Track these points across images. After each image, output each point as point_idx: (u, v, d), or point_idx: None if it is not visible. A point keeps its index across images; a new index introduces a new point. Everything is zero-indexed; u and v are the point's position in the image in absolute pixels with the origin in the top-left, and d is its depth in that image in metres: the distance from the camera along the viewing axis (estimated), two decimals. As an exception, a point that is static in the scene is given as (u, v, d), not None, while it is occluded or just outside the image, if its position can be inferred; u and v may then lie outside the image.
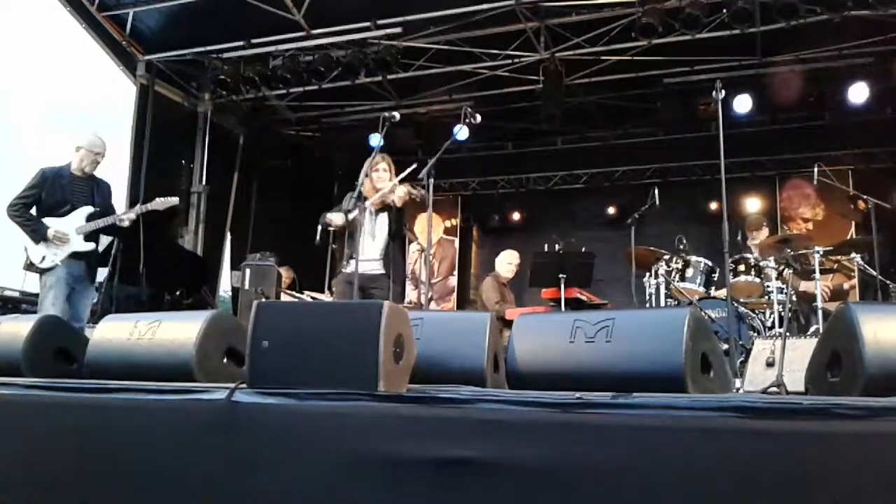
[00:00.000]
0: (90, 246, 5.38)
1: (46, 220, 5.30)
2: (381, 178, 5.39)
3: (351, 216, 5.09)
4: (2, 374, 2.98)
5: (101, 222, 5.37)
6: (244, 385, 2.38)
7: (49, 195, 5.33)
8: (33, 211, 5.33)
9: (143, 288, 6.67)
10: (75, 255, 5.31)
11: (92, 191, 5.49)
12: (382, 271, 5.32)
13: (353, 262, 5.17)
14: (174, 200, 5.65)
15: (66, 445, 2.62)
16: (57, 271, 5.24)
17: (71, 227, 5.31)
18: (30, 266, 5.36)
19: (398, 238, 5.46)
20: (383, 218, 5.42)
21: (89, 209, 5.40)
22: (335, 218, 5.37)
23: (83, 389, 2.70)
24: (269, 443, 2.32)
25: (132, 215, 5.43)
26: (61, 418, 2.67)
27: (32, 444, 2.67)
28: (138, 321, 3.03)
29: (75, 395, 2.69)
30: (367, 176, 5.33)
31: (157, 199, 5.54)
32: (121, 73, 8.92)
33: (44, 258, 5.25)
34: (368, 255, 5.26)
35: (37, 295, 6.01)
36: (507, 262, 7.71)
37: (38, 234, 5.23)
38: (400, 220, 5.44)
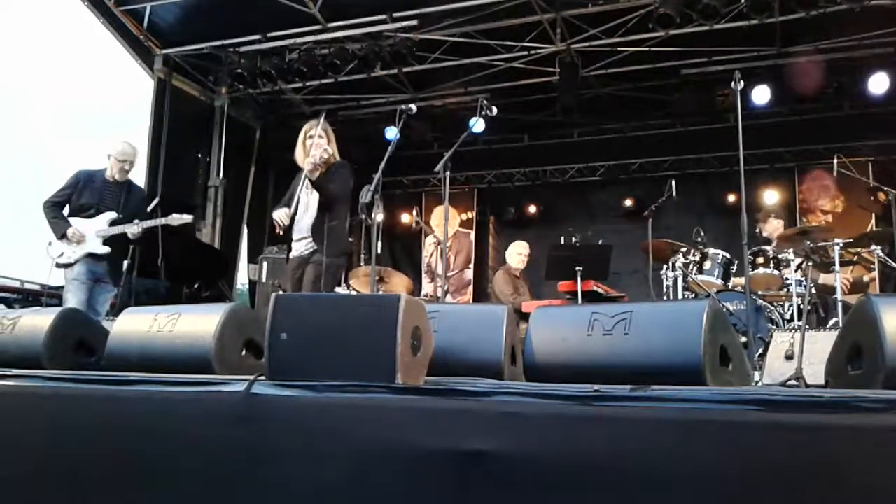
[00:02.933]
0: (105, 249, 5.53)
1: (73, 220, 5.52)
2: (314, 146, 4.97)
3: (365, 214, 4.94)
4: (23, 367, 3.00)
5: (117, 229, 5.53)
6: (263, 377, 2.39)
7: (79, 196, 5.58)
8: (65, 210, 5.58)
9: (161, 281, 6.73)
10: (93, 256, 5.50)
11: (121, 197, 5.67)
12: (314, 247, 4.93)
13: (293, 245, 5.06)
14: (187, 218, 5.73)
15: (86, 437, 2.64)
16: (77, 268, 5.46)
17: (91, 229, 5.51)
18: (55, 262, 5.55)
19: (331, 208, 4.98)
20: (314, 194, 5.02)
21: (113, 214, 5.58)
22: (280, 216, 4.96)
23: (103, 381, 2.72)
24: (288, 435, 2.33)
25: (137, 229, 5.54)
26: (81, 410, 2.70)
27: (53, 436, 2.70)
28: (158, 314, 3.05)
29: (95, 387, 2.71)
30: (303, 144, 5.05)
31: (173, 214, 5.65)
32: (138, 68, 8.99)
33: (62, 254, 5.47)
34: (302, 232, 5.03)
35: (56, 288, 6.11)
36: (517, 254, 7.72)
37: (58, 230, 5.47)
38: (325, 190, 4.93)
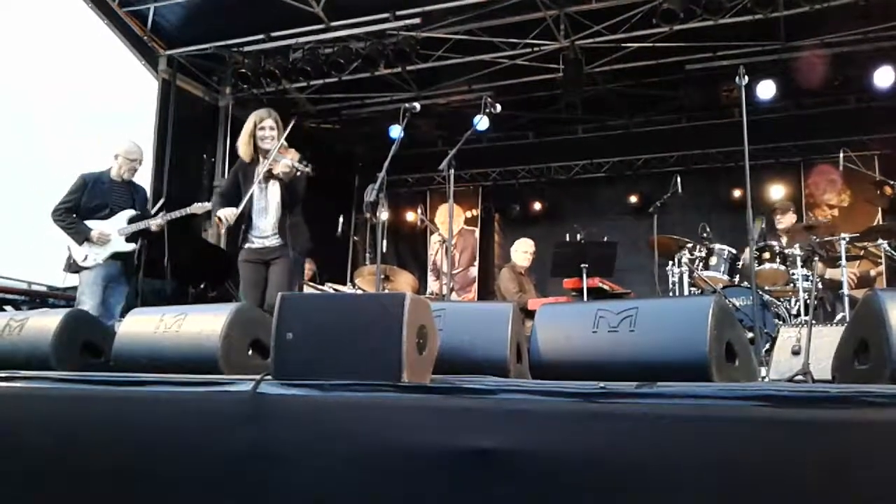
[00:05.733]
0: (131, 247, 5.61)
1: (88, 223, 5.52)
2: (268, 139, 4.86)
3: (370, 213, 4.83)
4: (31, 368, 3.02)
5: (141, 225, 5.58)
6: (269, 377, 2.40)
7: (89, 199, 5.57)
8: (75, 215, 5.57)
9: (167, 281, 6.73)
10: (115, 256, 5.54)
11: (132, 195, 5.72)
12: (280, 242, 4.84)
13: (250, 236, 4.89)
14: (209, 205, 5.71)
15: (93, 438, 2.65)
16: (95, 270, 5.48)
17: (113, 229, 5.54)
18: (71, 265, 5.57)
19: (295, 207, 4.92)
20: (274, 189, 4.89)
21: (131, 212, 5.62)
22: (228, 214, 4.80)
23: (111, 382, 2.73)
24: (294, 434, 2.34)
25: (160, 221, 5.59)
26: (89, 411, 2.71)
27: (61, 437, 2.71)
28: (164, 314, 3.06)
29: (103, 387, 2.72)
30: (251, 136, 4.87)
31: (196, 204, 5.65)
32: (142, 69, 9.00)
33: (86, 257, 5.48)
34: (263, 231, 4.88)
35: (64, 290, 6.13)
36: (522, 251, 7.72)
37: (80, 235, 5.47)
38: (294, 191, 4.86)
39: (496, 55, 8.79)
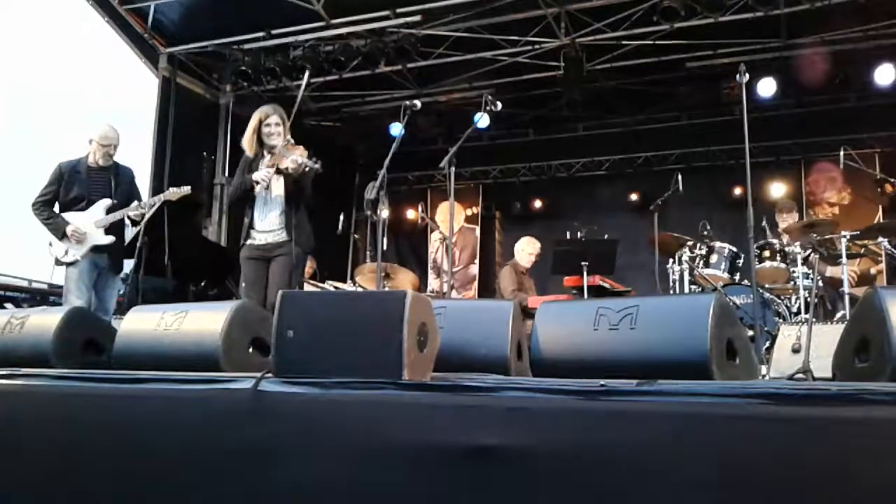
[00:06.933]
0: (110, 239, 5.39)
1: (67, 215, 5.34)
2: (274, 135, 4.87)
3: (370, 211, 4.74)
4: (31, 366, 3.02)
5: (118, 215, 5.39)
6: (270, 374, 2.40)
7: (66, 190, 5.38)
8: (56, 207, 5.39)
9: (168, 279, 6.73)
10: (97, 249, 5.36)
11: (110, 182, 5.48)
12: (285, 237, 4.80)
13: (253, 233, 4.87)
14: (186, 190, 5.57)
15: (95, 435, 2.65)
16: (80, 264, 5.30)
17: (90, 222, 5.35)
18: (56, 260, 5.42)
19: (300, 203, 4.90)
20: (278, 184, 4.86)
21: (108, 202, 5.42)
22: (264, 175, 4.78)
23: (112, 380, 2.74)
24: (295, 431, 2.34)
25: (139, 211, 5.42)
26: (90, 408, 2.71)
27: (62, 434, 2.71)
28: (165, 312, 3.06)
29: (104, 385, 2.73)
30: (255, 133, 4.88)
31: (171, 189, 5.51)
32: (143, 66, 9.00)
33: (66, 252, 5.31)
34: (267, 225, 4.85)
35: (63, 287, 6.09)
36: (528, 253, 7.69)
37: (59, 230, 5.29)
38: (301, 187, 4.84)
39: (497, 53, 8.79)
